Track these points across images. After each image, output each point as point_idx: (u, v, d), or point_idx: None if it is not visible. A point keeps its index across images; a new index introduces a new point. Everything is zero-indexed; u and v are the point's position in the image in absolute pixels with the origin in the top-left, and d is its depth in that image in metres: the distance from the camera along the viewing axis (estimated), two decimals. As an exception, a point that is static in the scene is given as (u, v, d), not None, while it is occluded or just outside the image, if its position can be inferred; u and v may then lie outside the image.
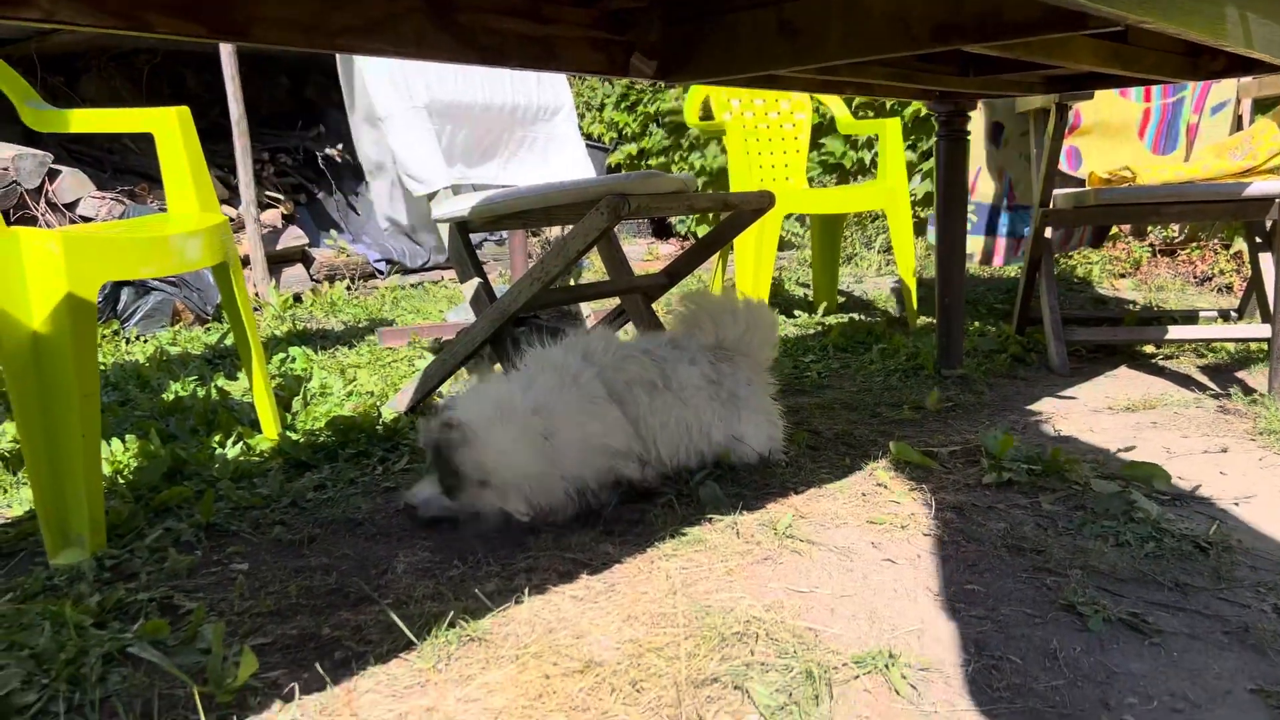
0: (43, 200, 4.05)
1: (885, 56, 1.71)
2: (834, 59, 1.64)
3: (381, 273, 5.33)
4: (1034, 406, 2.45)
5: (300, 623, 1.34)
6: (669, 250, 7.01)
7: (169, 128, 2.11)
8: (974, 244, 3.53)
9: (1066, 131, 3.11)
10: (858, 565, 1.48)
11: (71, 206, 4.17)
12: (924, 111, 5.30)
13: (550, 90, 2.77)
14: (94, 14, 1.19)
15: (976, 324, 3.51)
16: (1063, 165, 3.28)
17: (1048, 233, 2.95)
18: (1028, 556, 1.50)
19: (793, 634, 1.24)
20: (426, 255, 5.63)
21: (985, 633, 1.26)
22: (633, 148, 7.16)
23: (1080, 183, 3.23)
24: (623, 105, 7.28)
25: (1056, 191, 2.93)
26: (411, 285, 5.24)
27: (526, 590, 1.41)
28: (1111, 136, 3.37)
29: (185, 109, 2.16)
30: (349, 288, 4.97)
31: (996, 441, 1.92)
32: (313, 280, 4.90)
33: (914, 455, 1.95)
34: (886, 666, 1.15)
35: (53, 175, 4.12)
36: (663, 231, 7.43)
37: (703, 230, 6.79)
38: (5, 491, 1.94)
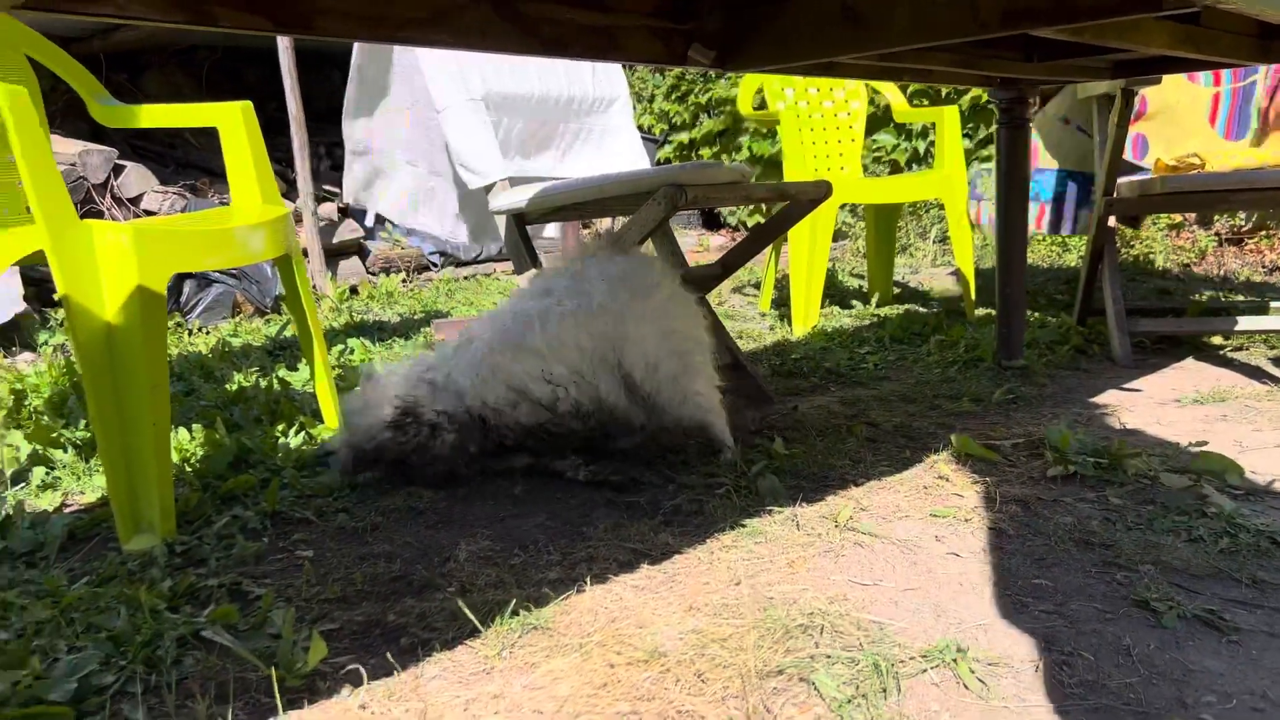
0: (108, 195, 4.14)
1: (951, 42, 1.68)
2: (898, 45, 1.61)
3: (435, 265, 5.37)
4: (1097, 399, 2.40)
5: (366, 609, 1.36)
6: (720, 241, 6.99)
7: (233, 122, 2.15)
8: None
9: (1132, 118, 3.03)
10: (921, 558, 1.46)
11: (135, 201, 4.26)
12: (983, 99, 5.22)
13: (605, 81, 2.77)
14: (163, 8, 1.21)
15: (1036, 315, 3.44)
16: (1127, 153, 3.21)
17: (1111, 221, 2.89)
18: (1096, 551, 1.47)
19: (858, 626, 1.23)
20: (479, 249, 5.67)
21: (1055, 628, 1.24)
22: (683, 137, 7.14)
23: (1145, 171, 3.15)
24: (673, 96, 7.26)
25: (1121, 180, 2.86)
26: (465, 277, 5.28)
27: (588, 579, 1.41)
28: (1178, 123, 3.28)
29: (248, 104, 2.19)
30: (404, 280, 5.02)
31: (1061, 434, 1.89)
32: (369, 273, 4.95)
33: (976, 448, 1.92)
34: (955, 660, 1.14)
35: (118, 170, 4.22)
36: (713, 222, 7.40)
37: (754, 221, 6.75)
38: (79, 479, 1.99)
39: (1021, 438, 2.03)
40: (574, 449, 1.92)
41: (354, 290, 4.71)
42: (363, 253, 5.06)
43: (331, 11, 1.33)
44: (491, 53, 1.63)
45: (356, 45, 2.71)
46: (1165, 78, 2.71)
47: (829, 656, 1.15)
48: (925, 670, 1.13)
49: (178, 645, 1.25)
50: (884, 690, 1.08)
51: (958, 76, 2.38)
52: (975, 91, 5.23)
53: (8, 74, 2.05)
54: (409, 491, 1.85)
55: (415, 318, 4.02)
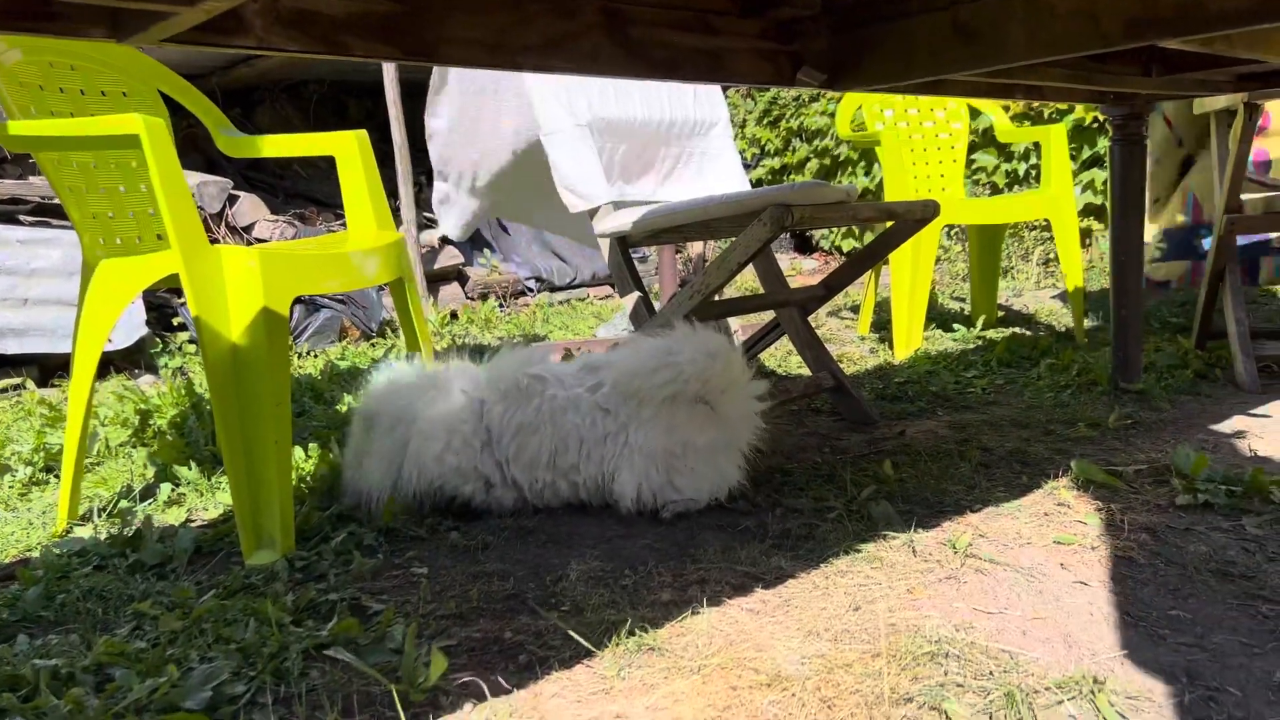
0: (223, 225, 4.32)
1: (1068, 57, 1.64)
2: (1014, 60, 1.58)
3: (531, 290, 5.46)
4: (1221, 426, 2.30)
5: (483, 626, 1.37)
6: (811, 266, 6.93)
7: (349, 150, 2.22)
8: (1169, 269, 3.37)
9: (1255, 133, 2.91)
10: (1048, 587, 1.41)
11: (248, 229, 4.43)
12: (1086, 120, 5.08)
13: (706, 105, 2.78)
14: (301, 39, 1.25)
15: (1150, 339, 3.32)
16: (1250, 171, 3.08)
17: (1234, 240, 2.77)
18: (1237, 583, 1.39)
19: (986, 655, 1.19)
20: (573, 274, 5.74)
21: (1197, 661, 1.18)
22: (775, 163, 7.12)
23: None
24: (765, 121, 7.25)
25: (1245, 196, 2.74)
26: (560, 302, 5.34)
27: (701, 602, 1.40)
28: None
29: (363, 132, 2.26)
30: (501, 305, 5.10)
31: (1190, 460, 1.81)
32: (468, 298, 5.05)
33: (1098, 474, 1.85)
34: (1093, 693, 1.09)
35: (232, 200, 4.40)
36: (805, 247, 7.35)
37: (848, 245, 6.68)
38: (202, 495, 2.06)
39: (1145, 464, 1.95)
40: None
41: (454, 315, 4.81)
42: (462, 278, 5.17)
43: (456, 40, 1.37)
44: (603, 76, 1.65)
45: (454, 79, 2.77)
46: (1292, 91, 2.60)
47: (959, 685, 1.11)
48: (1061, 701, 1.08)
49: (303, 658, 1.28)
50: (1019, 721, 1.04)
51: (1070, 93, 2.32)
52: (1078, 112, 5.11)
53: (140, 107, 2.15)
54: (517, 512, 1.87)
55: (513, 341, 4.08)
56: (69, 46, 2.00)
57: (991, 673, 1.14)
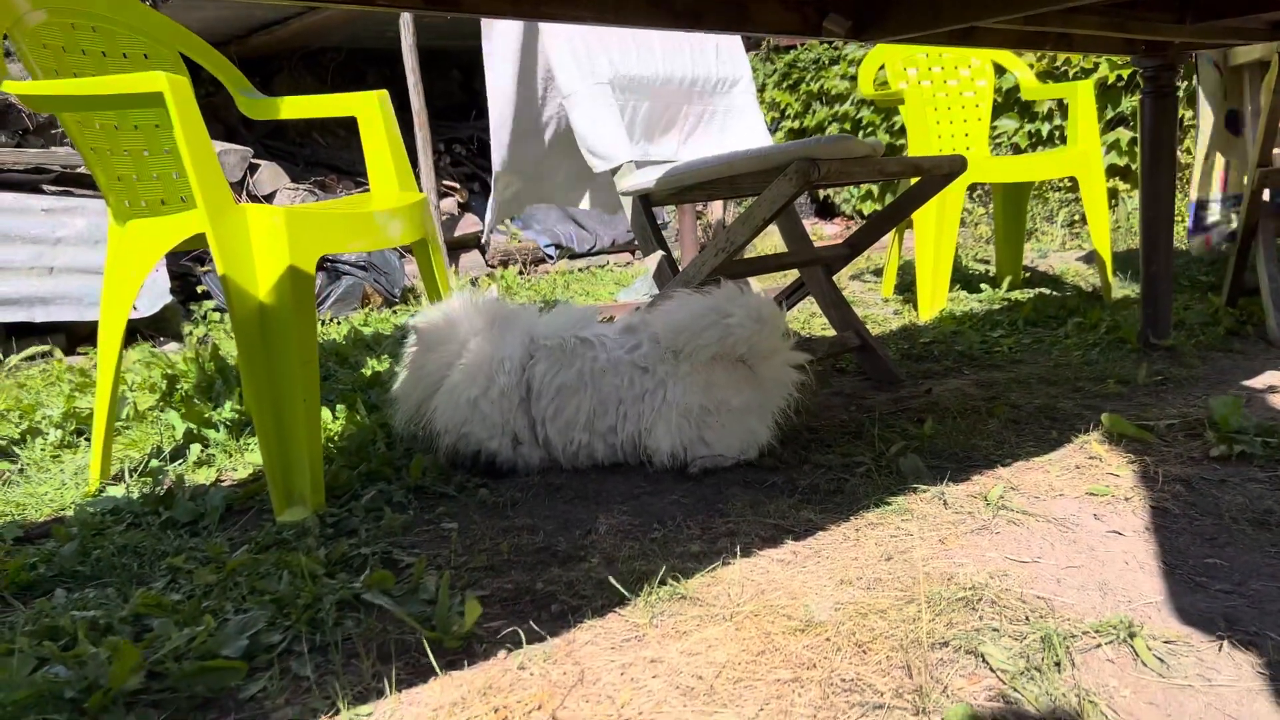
0: (244, 193, 4.32)
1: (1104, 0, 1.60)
2: (1048, 4, 1.55)
3: (551, 257, 5.44)
4: (1254, 381, 2.27)
5: (514, 577, 1.37)
6: (832, 230, 6.88)
7: (371, 111, 2.21)
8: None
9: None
10: (1081, 537, 1.40)
11: (269, 198, 4.43)
12: (1110, 79, 5.00)
13: (729, 61, 2.74)
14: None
15: (1179, 297, 3.27)
16: None
17: (1266, 194, 2.72)
18: (1275, 531, 1.38)
19: (1021, 601, 1.18)
20: (593, 240, 5.72)
21: (1235, 608, 1.17)
22: (794, 125, 7.05)
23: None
24: (784, 84, 7.18)
25: (1278, 150, 2.69)
26: (579, 269, 5.33)
27: (732, 553, 1.40)
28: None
29: (384, 93, 2.25)
30: (521, 272, 5.10)
31: (1224, 410, 1.78)
32: (488, 266, 5.05)
33: (1129, 428, 1.83)
34: (1130, 637, 1.08)
35: (252, 169, 4.40)
36: (826, 212, 7.30)
37: (868, 208, 6.62)
38: (231, 456, 2.08)
39: (1176, 418, 1.93)
40: None
41: (474, 283, 4.81)
42: (482, 246, 5.16)
43: (479, -13, 1.35)
44: (626, 26, 1.63)
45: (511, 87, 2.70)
46: (1328, 39, 2.54)
47: (995, 629, 1.11)
48: (1099, 645, 1.07)
49: (337, 608, 1.28)
50: (1057, 664, 1.03)
51: (1102, 43, 2.28)
52: (1102, 70, 5.02)
53: (161, 69, 2.14)
54: (543, 469, 1.87)
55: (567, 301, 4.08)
56: (90, 8, 1.99)
57: (1027, 618, 1.14)
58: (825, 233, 6.75)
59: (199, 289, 3.96)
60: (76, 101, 1.76)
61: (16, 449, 2.22)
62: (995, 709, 0.96)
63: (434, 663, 1.13)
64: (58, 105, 1.80)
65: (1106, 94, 5.05)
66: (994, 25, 1.83)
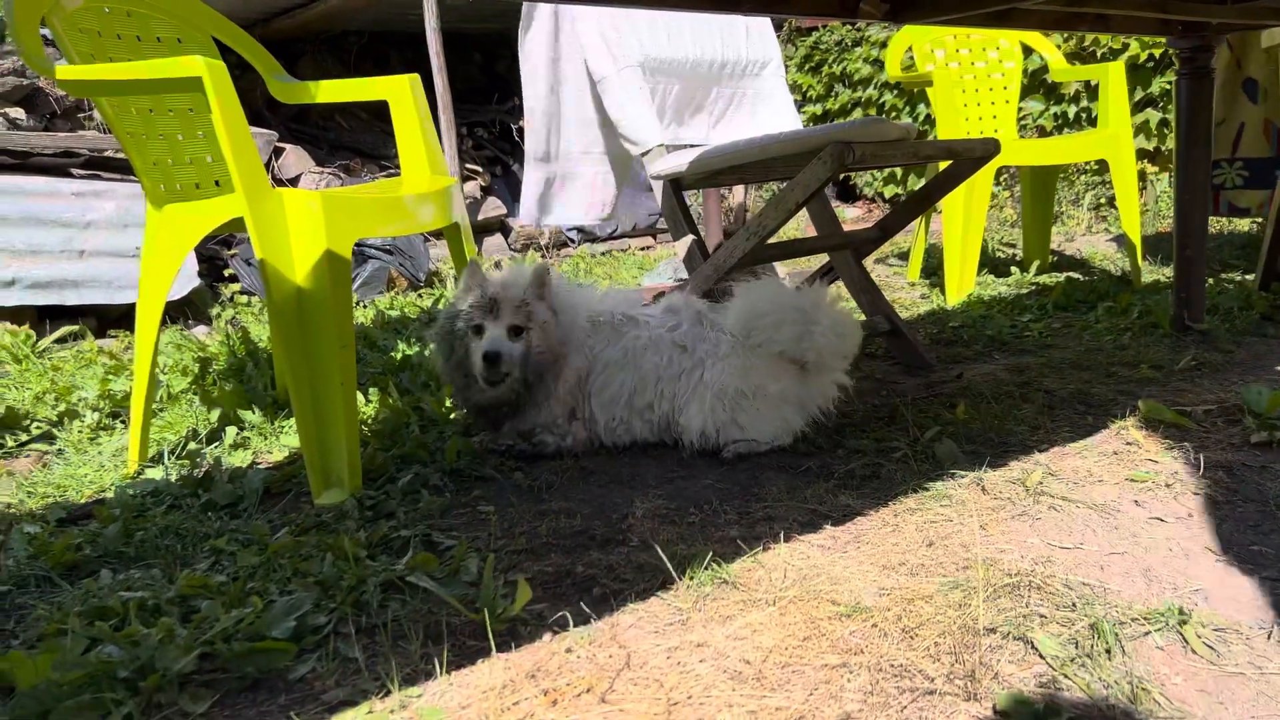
0: (270, 177, 4.33)
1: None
2: (1091, -16, 1.53)
3: (573, 241, 5.44)
4: (1291, 366, 2.25)
5: (554, 560, 1.38)
6: (855, 214, 6.85)
7: (403, 94, 2.21)
8: (1250, 198, 3.29)
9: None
10: (1123, 523, 1.39)
11: (294, 181, 4.44)
12: (1141, 58, 4.94)
13: (759, 43, 2.72)
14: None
15: (1210, 281, 3.24)
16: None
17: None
18: (1319, 518, 1.37)
19: (1067, 587, 1.18)
20: (615, 225, 5.71)
21: (1283, 595, 1.16)
22: (817, 109, 7.01)
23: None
24: (806, 67, 7.13)
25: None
26: (601, 253, 5.33)
27: (772, 538, 1.40)
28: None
29: (415, 76, 2.25)
30: (543, 255, 5.10)
31: (1264, 398, 1.77)
32: (511, 249, 5.05)
33: (1167, 414, 1.82)
34: (1180, 624, 1.08)
35: (278, 153, 4.41)
36: (848, 195, 7.25)
37: (890, 191, 6.58)
38: (266, 438, 2.09)
39: (1214, 404, 1.92)
40: None
41: (498, 266, 4.81)
42: (505, 230, 5.16)
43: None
44: (663, 9, 1.62)
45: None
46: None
47: (1043, 616, 1.11)
48: (1148, 633, 1.07)
49: (381, 590, 1.29)
50: (1107, 651, 1.03)
51: (1140, 23, 2.25)
52: (1133, 49, 4.96)
53: (195, 53, 2.15)
54: (579, 453, 1.88)
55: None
56: (125, -9, 2.00)
57: (1074, 605, 1.14)
58: (847, 215, 6.72)
59: (226, 272, 3.98)
60: (119, 86, 1.76)
61: (55, 431, 2.24)
62: (1046, 695, 0.96)
63: (488, 644, 1.14)
64: (100, 90, 1.81)
65: (1136, 75, 4.98)
66: (1033, 6, 1.81)
